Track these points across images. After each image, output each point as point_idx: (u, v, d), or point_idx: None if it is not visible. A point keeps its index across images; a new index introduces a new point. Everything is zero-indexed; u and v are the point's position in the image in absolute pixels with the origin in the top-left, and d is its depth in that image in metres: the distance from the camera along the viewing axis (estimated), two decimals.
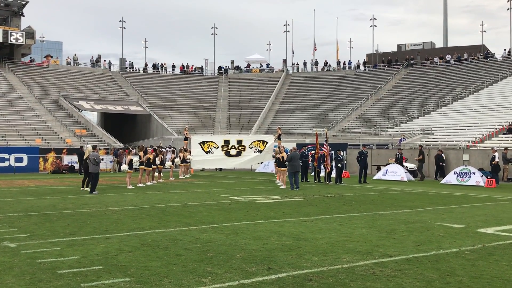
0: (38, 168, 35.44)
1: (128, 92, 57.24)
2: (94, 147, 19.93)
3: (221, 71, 66.43)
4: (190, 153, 30.78)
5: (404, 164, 30.14)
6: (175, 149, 34.23)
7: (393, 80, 56.95)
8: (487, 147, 30.55)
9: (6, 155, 34.58)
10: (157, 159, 25.45)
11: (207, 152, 30.48)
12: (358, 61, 65.27)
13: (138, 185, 22.25)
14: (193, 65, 67.77)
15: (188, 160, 29.97)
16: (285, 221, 11.81)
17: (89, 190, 19.52)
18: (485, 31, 67.82)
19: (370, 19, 69.06)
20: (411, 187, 22.79)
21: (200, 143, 30.54)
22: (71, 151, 36.46)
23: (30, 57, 61.22)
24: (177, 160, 29.64)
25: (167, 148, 37.25)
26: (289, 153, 21.98)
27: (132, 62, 65.52)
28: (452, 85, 50.88)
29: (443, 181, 25.50)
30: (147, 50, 67.78)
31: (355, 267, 7.29)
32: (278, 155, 23.24)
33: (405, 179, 26.57)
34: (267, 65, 68.99)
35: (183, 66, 66.78)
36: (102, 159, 20.91)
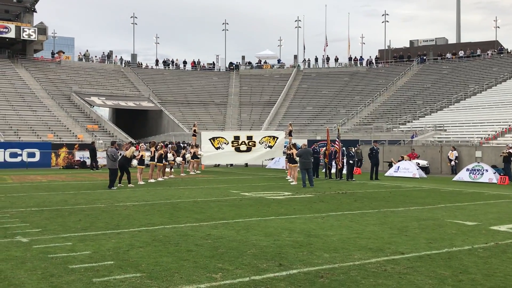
0: (50, 164, 35.72)
1: (139, 88, 57.46)
2: (112, 143, 19.99)
3: (232, 67, 66.41)
4: (198, 147, 30.84)
5: (416, 161, 30.02)
6: (187, 145, 34.29)
7: (405, 76, 56.62)
8: (500, 144, 30.28)
9: (18, 150, 34.87)
10: (169, 154, 25.50)
11: (217, 148, 30.46)
12: (370, 57, 64.99)
13: (149, 181, 22.32)
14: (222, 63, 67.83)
15: (199, 156, 30.01)
16: (296, 217, 11.79)
17: (128, 185, 19.86)
18: (498, 27, 67.00)
19: (382, 15, 68.70)
20: (423, 184, 22.66)
21: (210, 139, 30.53)
22: (82, 147, 36.68)
23: (44, 53, 61.59)
24: (188, 155, 29.70)
25: (181, 145, 37.33)
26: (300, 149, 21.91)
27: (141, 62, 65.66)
28: (465, 81, 50.49)
29: (455, 178, 25.34)
30: (158, 46, 67.97)
31: (366, 264, 7.26)
32: (289, 151, 23.20)
33: (417, 176, 26.42)
34: (278, 61, 68.88)
35: (194, 62, 66.88)
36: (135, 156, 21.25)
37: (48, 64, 58.10)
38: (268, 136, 30.76)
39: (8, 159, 34.45)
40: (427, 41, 67.06)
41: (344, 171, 25.65)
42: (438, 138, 36.67)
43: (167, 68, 65.98)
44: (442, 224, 10.98)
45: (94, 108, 51.02)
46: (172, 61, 66.92)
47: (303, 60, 67.36)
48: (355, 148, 26.52)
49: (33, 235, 9.36)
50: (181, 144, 37.00)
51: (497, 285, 6.31)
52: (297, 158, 21.63)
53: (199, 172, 30.07)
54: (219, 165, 37.50)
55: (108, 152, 19.19)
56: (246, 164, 37.59)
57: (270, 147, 30.33)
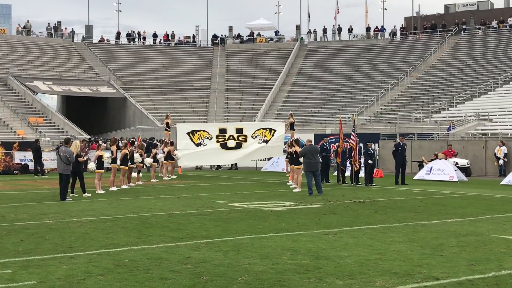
0: None
1: (96, 69, 57.30)
2: (67, 141, 19.87)
3: (217, 41, 66.31)
4: (175, 147, 30.77)
5: (454, 159, 30.12)
6: (159, 142, 34.26)
7: (439, 51, 56.76)
8: None
9: None
10: (135, 154, 25.45)
11: (197, 145, 30.33)
12: (394, 26, 65.10)
13: (110, 189, 22.28)
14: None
15: (174, 157, 29.98)
16: (301, 234, 11.83)
17: (84, 194, 19.83)
18: None
19: None
20: (463, 189, 22.75)
21: (188, 133, 30.41)
22: (24, 146, 36.50)
23: None
24: (160, 156, 29.65)
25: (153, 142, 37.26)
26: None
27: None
28: None
29: (504, 181, 25.45)
30: (120, 15, 67.52)
31: None
32: (290, 149, 23.22)
33: (455, 179, 26.54)
34: (276, 32, 68.85)
35: (167, 35, 66.72)
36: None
37: None
38: (263, 129, 30.63)
39: None
40: (467, 5, 67.19)
41: (362, 174, 25.69)
42: (481, 130, 36.78)
43: (132, 43, 65.74)
44: (487, 240, 11.03)
45: (38, 95, 50.76)
46: (139, 34, 66.68)
47: (308, 32, 67.35)
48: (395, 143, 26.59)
49: None
50: (153, 142, 36.90)
51: None
52: (301, 158, 21.66)
53: (174, 177, 30.03)
54: (201, 167, 37.46)
55: (61, 152, 19.07)
56: (236, 165, 37.60)
57: (266, 141, 30.22)
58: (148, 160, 28.41)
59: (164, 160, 29.62)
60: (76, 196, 19.78)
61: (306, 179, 20.95)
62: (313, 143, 22.61)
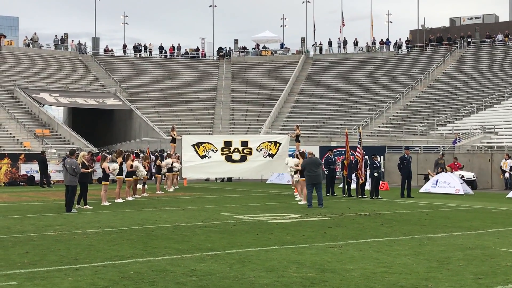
0: None
1: (102, 82, 57.50)
2: (72, 152, 19.92)
3: (222, 54, 66.55)
4: (179, 159, 30.82)
5: (460, 172, 30.07)
6: (166, 154, 34.32)
7: (444, 64, 56.79)
8: None
9: None
10: (140, 166, 25.46)
11: (202, 157, 30.40)
12: (400, 39, 65.24)
13: (116, 201, 22.30)
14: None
15: (175, 169, 29.98)
16: (306, 247, 11.81)
17: (83, 206, 19.88)
18: None
19: None
20: (469, 202, 22.69)
21: (194, 145, 30.50)
22: (30, 157, 36.60)
23: None
24: (165, 163, 29.66)
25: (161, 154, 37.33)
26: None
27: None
28: None
29: (511, 194, 25.39)
30: (127, 27, 68.24)
31: None
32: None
33: (461, 192, 26.48)
34: (282, 45, 69.06)
35: (173, 48, 67.01)
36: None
37: None
38: (268, 142, 30.66)
39: None
40: (472, 18, 67.22)
41: (367, 187, 25.65)
42: (487, 143, 36.71)
43: (138, 55, 66.01)
44: (494, 254, 11.00)
45: (45, 107, 50.96)
46: (145, 47, 66.97)
47: (313, 44, 67.54)
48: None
49: None
50: (159, 154, 36.96)
51: None
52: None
53: (177, 188, 30.14)
54: (208, 179, 37.50)
55: (67, 164, 19.11)
56: (230, 178, 37.58)
57: (271, 155, 30.23)
58: (177, 165, 28.87)
59: (167, 172, 29.67)
60: (82, 208, 19.83)
61: (307, 191, 20.93)
62: (314, 155, 22.51)
